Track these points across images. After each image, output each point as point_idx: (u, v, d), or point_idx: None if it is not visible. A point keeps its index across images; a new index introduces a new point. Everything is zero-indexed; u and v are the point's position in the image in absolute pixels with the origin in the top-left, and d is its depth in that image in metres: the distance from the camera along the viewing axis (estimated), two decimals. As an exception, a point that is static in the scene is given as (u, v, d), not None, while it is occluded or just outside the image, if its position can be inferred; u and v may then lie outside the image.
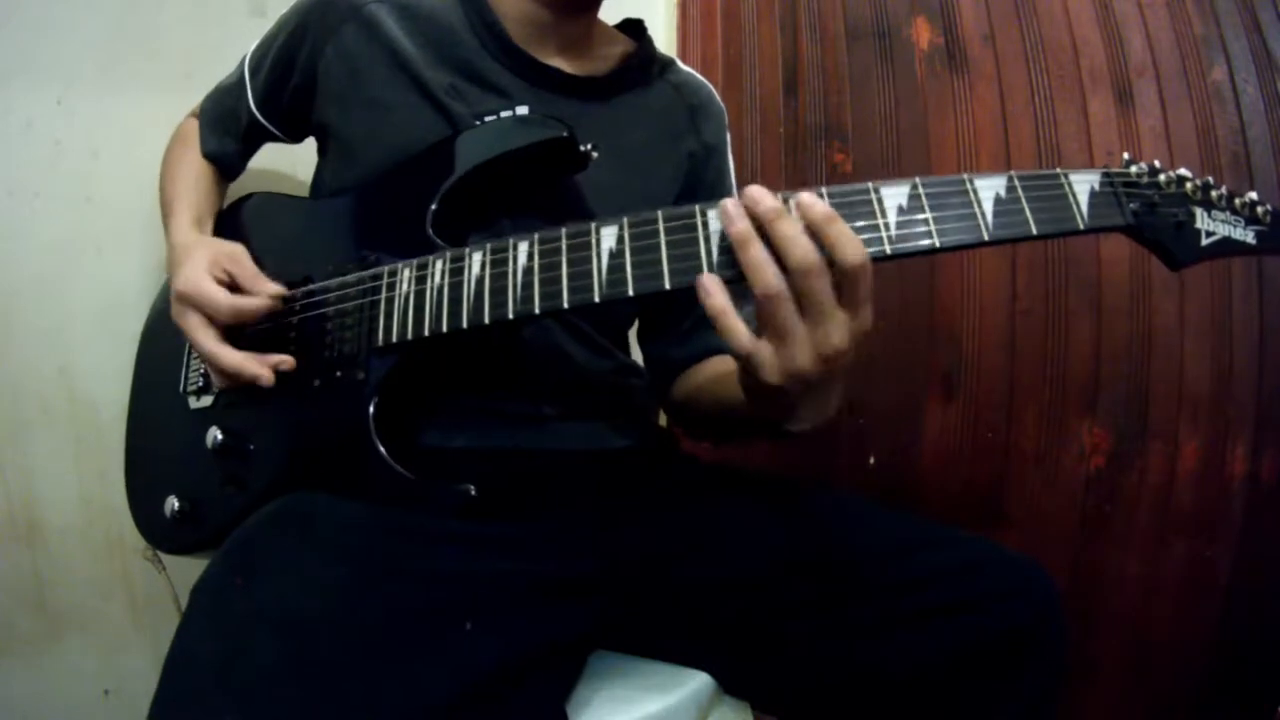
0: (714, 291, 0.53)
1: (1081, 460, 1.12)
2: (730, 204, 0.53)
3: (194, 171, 0.87)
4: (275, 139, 0.90)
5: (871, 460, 1.26)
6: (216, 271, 0.72)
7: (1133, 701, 1.10)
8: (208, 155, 0.88)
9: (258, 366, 0.69)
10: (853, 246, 0.51)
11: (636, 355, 0.94)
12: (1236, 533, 1.05)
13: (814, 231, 0.51)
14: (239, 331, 0.72)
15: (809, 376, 0.52)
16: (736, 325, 0.53)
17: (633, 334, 0.94)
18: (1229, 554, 1.05)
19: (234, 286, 0.72)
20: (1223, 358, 1.06)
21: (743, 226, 0.52)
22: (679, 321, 0.89)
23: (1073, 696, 1.10)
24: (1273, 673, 1.03)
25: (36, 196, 0.91)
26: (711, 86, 0.94)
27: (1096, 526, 1.11)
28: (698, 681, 0.72)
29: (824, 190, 0.55)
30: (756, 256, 0.52)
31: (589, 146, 0.72)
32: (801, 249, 0.51)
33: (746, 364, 0.54)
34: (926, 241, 0.54)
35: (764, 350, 0.53)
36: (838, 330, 0.51)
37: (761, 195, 0.53)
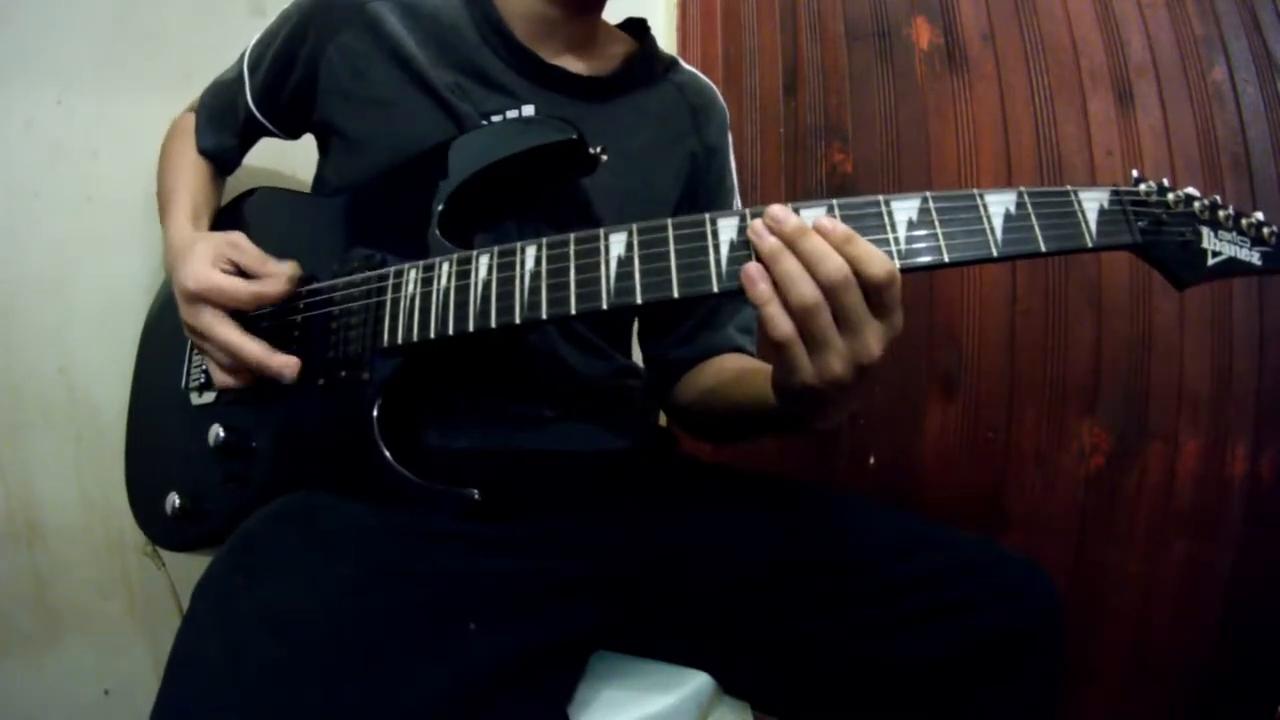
0: (758, 280, 0.53)
1: (1081, 460, 1.12)
2: (758, 224, 0.54)
3: (191, 167, 0.87)
4: (272, 135, 0.89)
5: (871, 460, 1.26)
6: (221, 264, 0.71)
7: (1133, 701, 1.10)
8: (203, 152, 0.88)
9: (283, 358, 0.68)
10: (877, 262, 0.52)
11: (636, 355, 0.94)
12: (1236, 533, 1.05)
13: (837, 251, 0.52)
14: (249, 326, 0.72)
15: (844, 381, 0.53)
16: (780, 314, 0.53)
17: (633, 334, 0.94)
18: (1229, 554, 1.05)
19: (241, 275, 0.71)
20: (1223, 358, 1.06)
21: (774, 242, 0.53)
22: (681, 323, 0.89)
23: (1073, 696, 1.10)
24: (1273, 673, 1.03)
25: (36, 196, 0.90)
26: (715, 87, 0.93)
27: (1096, 526, 1.12)
28: (698, 681, 0.72)
29: (835, 204, 0.55)
30: (791, 269, 0.52)
31: (598, 149, 0.72)
32: (833, 264, 0.52)
33: (782, 360, 0.55)
34: (935, 256, 0.55)
35: (799, 351, 0.53)
36: (874, 337, 0.53)
37: (785, 215, 0.54)
